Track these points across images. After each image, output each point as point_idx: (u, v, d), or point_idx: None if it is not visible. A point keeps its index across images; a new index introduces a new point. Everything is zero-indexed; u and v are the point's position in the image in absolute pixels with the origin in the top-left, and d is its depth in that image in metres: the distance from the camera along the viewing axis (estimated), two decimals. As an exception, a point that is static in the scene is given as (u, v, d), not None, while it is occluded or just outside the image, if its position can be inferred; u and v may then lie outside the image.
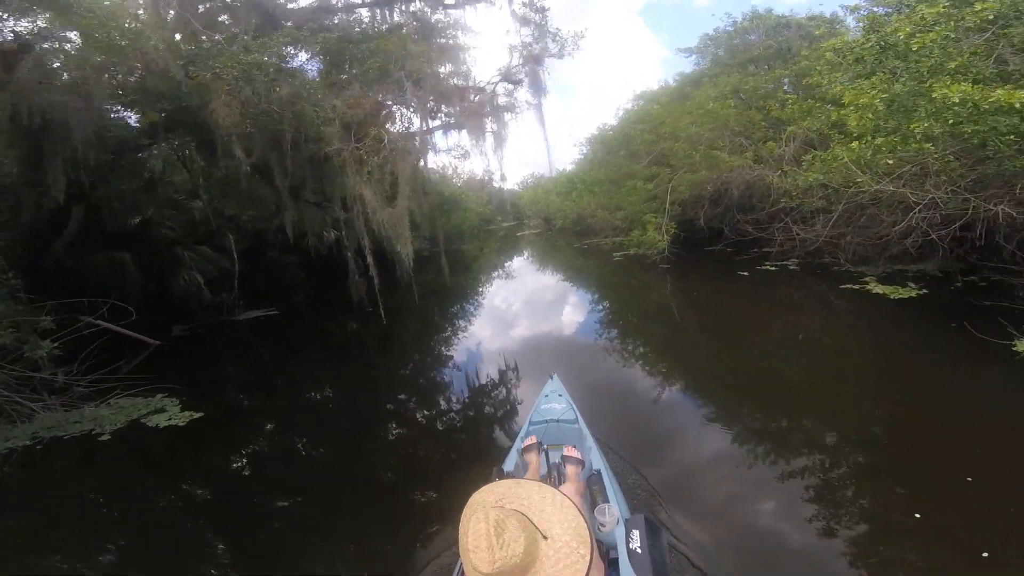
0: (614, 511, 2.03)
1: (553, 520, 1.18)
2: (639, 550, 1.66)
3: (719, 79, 13.04)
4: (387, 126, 7.42)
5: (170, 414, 5.99)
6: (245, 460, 5.35)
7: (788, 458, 3.81)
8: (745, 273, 10.13)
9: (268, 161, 8.23)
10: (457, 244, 28.22)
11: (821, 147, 10.37)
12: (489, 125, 8.68)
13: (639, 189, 13.19)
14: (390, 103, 8.07)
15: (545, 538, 1.15)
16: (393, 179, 7.93)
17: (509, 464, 2.87)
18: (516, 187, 58.49)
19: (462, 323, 10.65)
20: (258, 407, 7.01)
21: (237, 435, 5.88)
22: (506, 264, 23.09)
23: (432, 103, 8.36)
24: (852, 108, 6.51)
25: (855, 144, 6.38)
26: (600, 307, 10.79)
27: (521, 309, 11.47)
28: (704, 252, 13.37)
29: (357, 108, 7.32)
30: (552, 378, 4.20)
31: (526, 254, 27.35)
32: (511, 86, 9.56)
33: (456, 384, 6.69)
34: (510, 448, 3.22)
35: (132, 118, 10.21)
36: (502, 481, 1.36)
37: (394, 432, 5.59)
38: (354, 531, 3.55)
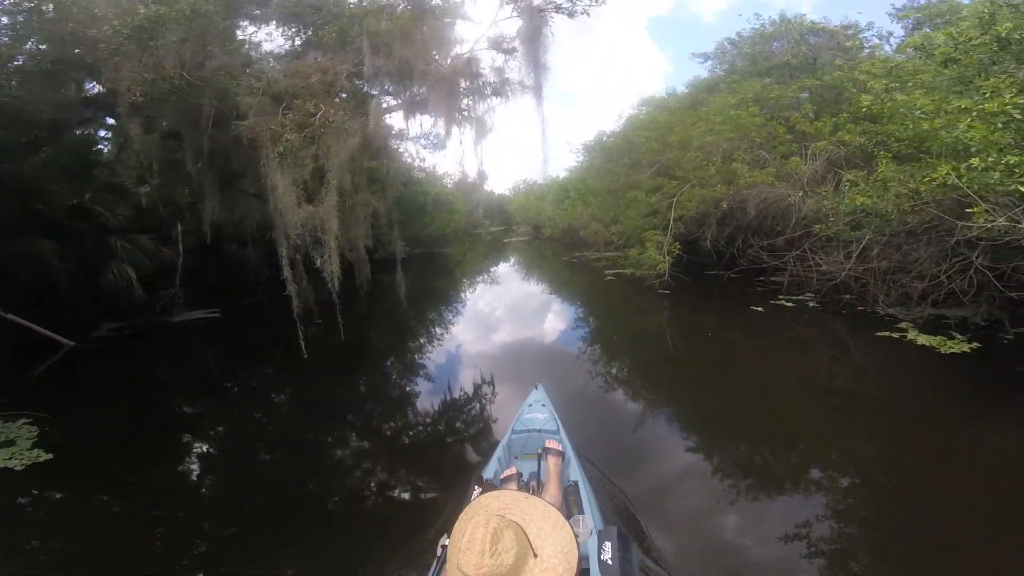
0: (588, 522, 2.09)
1: (548, 541, 1.21)
2: (610, 562, 1.68)
3: (739, 85, 11.70)
4: (334, 99, 5.81)
5: (15, 451, 4.71)
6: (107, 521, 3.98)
7: (774, 496, 3.72)
8: (760, 308, 8.77)
9: (183, 140, 6.66)
10: (440, 247, 26.75)
11: (849, 168, 9.16)
12: (468, 107, 7.02)
13: (640, 202, 11.82)
14: (344, 74, 6.43)
15: (535, 556, 1.18)
16: (318, 165, 6.19)
17: (489, 471, 2.92)
18: (507, 191, 57.82)
19: (410, 361, 8.75)
20: (145, 440, 5.40)
21: (95, 487, 4.46)
22: (488, 272, 21.66)
23: (395, 74, 6.61)
24: (974, 116, 4.93)
25: (975, 160, 4.77)
26: (589, 334, 9.34)
27: (495, 332, 9.95)
28: (707, 277, 11.98)
29: (295, 77, 5.81)
30: (536, 388, 4.23)
31: (512, 261, 25.98)
32: (501, 57, 7.54)
33: (435, 396, 6.29)
34: (491, 455, 3.30)
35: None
36: (511, 491, 1.51)
37: (368, 444, 5.27)
38: (333, 540, 3.41)
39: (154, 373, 8.23)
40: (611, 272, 13.78)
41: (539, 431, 3.41)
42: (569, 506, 2.32)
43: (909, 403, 5.36)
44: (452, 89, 6.36)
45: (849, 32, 12.07)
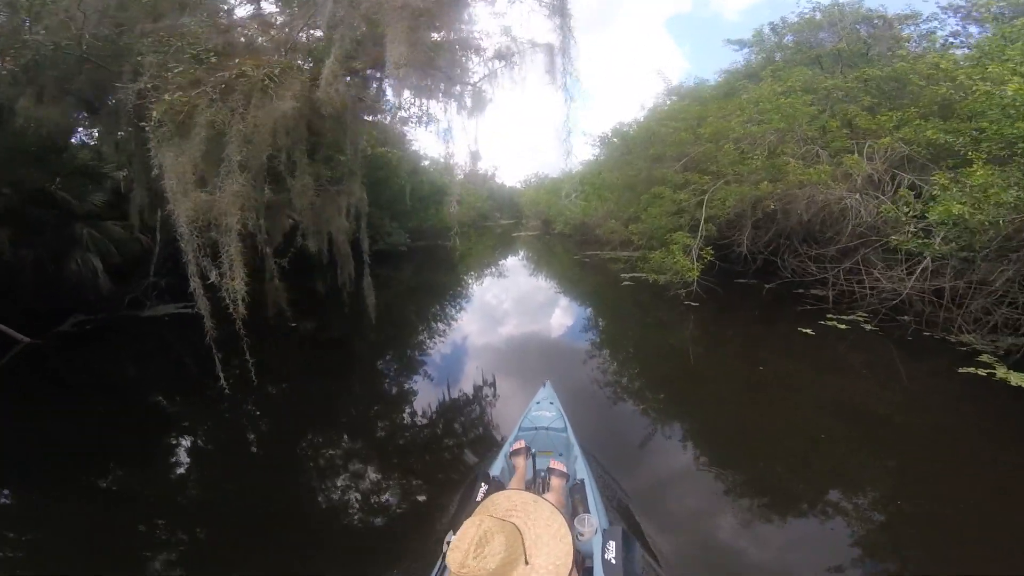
0: (593, 521, 2.07)
1: (544, 550, 1.20)
2: (614, 561, 1.68)
3: (787, 72, 10.28)
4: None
5: None
6: None
7: (793, 520, 3.48)
8: (809, 331, 7.53)
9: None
10: (445, 240, 25.59)
11: (913, 170, 7.90)
12: (450, 61, 5.34)
13: (665, 198, 10.52)
14: (300, 28, 5.08)
15: (526, 563, 1.18)
16: (215, 133, 4.44)
17: (496, 468, 2.89)
18: (519, 184, 56.77)
19: (408, 360, 7.80)
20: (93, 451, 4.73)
21: None
22: (492, 267, 20.43)
23: (361, 26, 4.94)
24: None
25: None
26: (605, 352, 8.10)
27: (496, 335, 8.78)
28: (740, 288, 10.65)
29: (228, 33, 4.57)
30: (545, 385, 4.18)
31: (520, 256, 24.81)
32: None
33: (437, 395, 5.92)
34: (498, 452, 3.29)
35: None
36: (526, 493, 1.39)
37: (367, 445, 4.97)
38: (336, 540, 3.35)
39: (112, 372, 7.42)
40: (628, 276, 12.51)
41: (547, 429, 3.36)
42: (575, 504, 2.31)
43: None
44: (415, 22, 4.56)
45: (908, 20, 10.72)
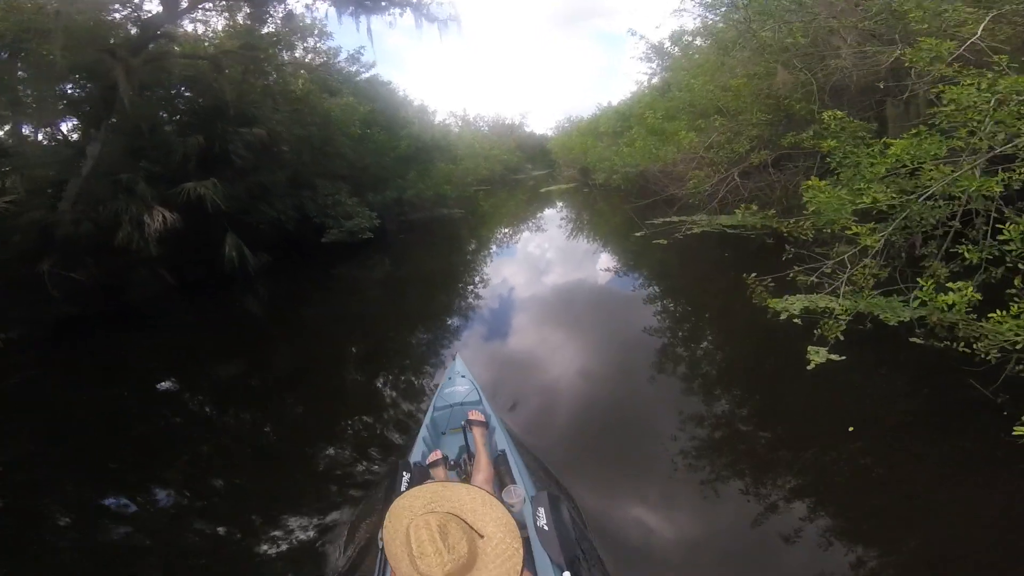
0: (519, 491, 2.11)
1: (486, 519, 1.20)
2: (546, 527, 1.73)
3: None
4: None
5: None
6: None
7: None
8: None
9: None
10: (447, 207, 19.13)
11: None
12: None
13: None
14: None
15: (481, 536, 1.17)
16: None
17: (416, 454, 2.84)
18: (550, 132, 50.14)
19: None
20: None
21: None
22: (500, 259, 12.88)
23: None
24: None
25: None
26: None
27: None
28: None
29: None
30: (455, 359, 4.09)
31: (546, 232, 17.41)
32: None
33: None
34: (416, 437, 3.18)
35: None
36: (428, 484, 1.34)
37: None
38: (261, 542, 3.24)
39: None
40: (779, 304, 4.77)
41: (461, 404, 3.31)
42: (501, 476, 2.33)
43: None
44: None
45: None
